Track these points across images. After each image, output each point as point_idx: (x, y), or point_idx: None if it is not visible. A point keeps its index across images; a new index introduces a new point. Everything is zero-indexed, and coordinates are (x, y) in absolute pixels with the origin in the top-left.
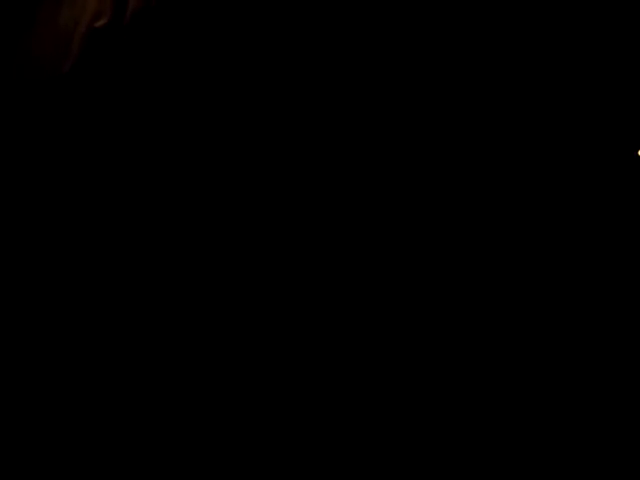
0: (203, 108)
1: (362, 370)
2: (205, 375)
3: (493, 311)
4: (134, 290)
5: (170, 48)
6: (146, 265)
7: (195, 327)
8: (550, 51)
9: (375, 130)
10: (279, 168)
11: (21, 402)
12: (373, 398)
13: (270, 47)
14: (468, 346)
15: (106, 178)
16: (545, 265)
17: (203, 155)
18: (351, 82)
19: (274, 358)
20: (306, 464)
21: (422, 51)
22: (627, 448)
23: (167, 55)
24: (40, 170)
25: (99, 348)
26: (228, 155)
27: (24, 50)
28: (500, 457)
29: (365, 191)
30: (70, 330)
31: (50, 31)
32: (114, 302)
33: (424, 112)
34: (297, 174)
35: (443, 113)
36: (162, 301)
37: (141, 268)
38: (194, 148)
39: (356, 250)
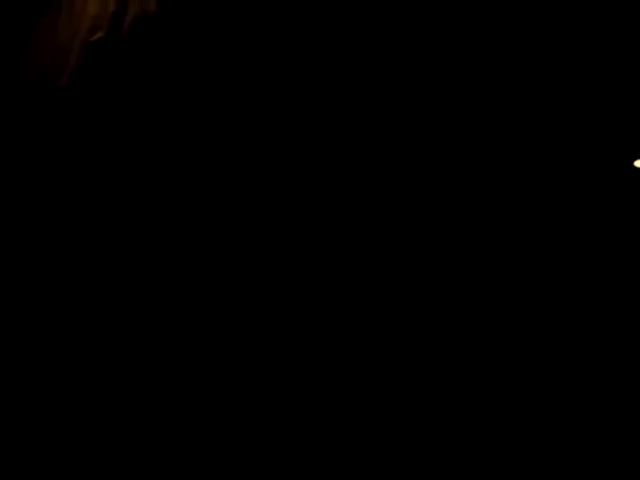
0: (200, 119)
1: (362, 370)
2: (205, 375)
3: (493, 312)
4: (135, 291)
5: (167, 61)
6: (145, 270)
7: (195, 327)
8: (550, 61)
9: (375, 130)
10: (277, 178)
11: (21, 402)
12: (373, 398)
13: (269, 58)
14: (468, 346)
15: (103, 189)
16: (543, 273)
17: (200, 167)
18: (351, 86)
19: (274, 358)
20: (306, 464)
21: (422, 52)
22: (627, 448)
23: (164, 68)
24: (38, 181)
25: (99, 348)
26: (225, 166)
27: (23, 63)
28: (500, 457)
29: (365, 191)
30: (70, 330)
31: (48, 44)
32: (114, 302)
33: (424, 113)
34: (297, 178)
35: (443, 121)
36: (162, 301)
37: (140, 273)
38: (191, 159)
39: (356, 250)
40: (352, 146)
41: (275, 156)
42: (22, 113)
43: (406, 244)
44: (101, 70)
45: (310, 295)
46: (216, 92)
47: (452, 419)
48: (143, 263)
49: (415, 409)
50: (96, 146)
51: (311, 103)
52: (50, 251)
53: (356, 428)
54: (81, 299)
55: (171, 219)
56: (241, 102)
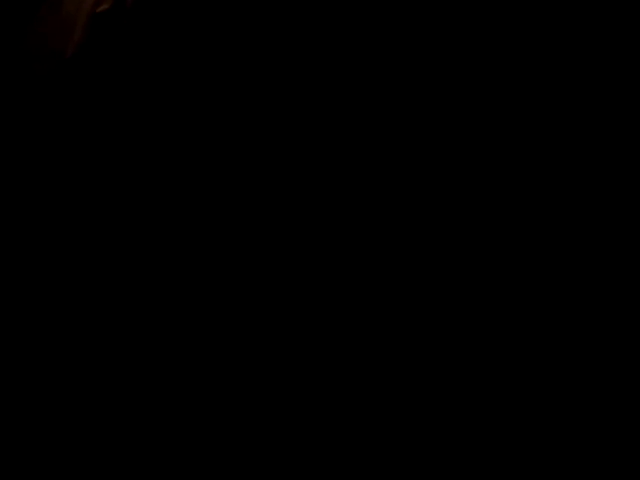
0: (207, 95)
1: (362, 371)
2: (205, 375)
3: (493, 312)
4: (134, 290)
5: (174, 32)
6: (146, 264)
7: (195, 327)
8: (552, 53)
9: (376, 131)
10: (280, 167)
11: (21, 402)
12: (373, 399)
13: (280, 37)
14: (468, 346)
15: (108, 165)
16: (546, 269)
17: (206, 145)
18: (351, 82)
19: (274, 358)
20: (306, 464)
21: (422, 52)
22: (627, 448)
23: (171, 39)
24: (44, 156)
25: (99, 348)
26: (231, 147)
27: (28, 36)
28: (500, 457)
29: (365, 192)
30: (70, 330)
31: (54, 17)
32: (114, 302)
33: (424, 113)
34: (297, 175)
35: (443, 118)
36: (162, 302)
37: (141, 267)
38: (198, 137)
39: (356, 251)
40: (352, 145)
41: (279, 143)
42: (28, 86)
43: (406, 243)
44: (107, 42)
45: (310, 293)
46: (224, 68)
47: (452, 419)
48: (144, 250)
49: (415, 409)
50: (101, 120)
51: (317, 95)
52: (51, 238)
53: (356, 428)
54: (79, 293)
55: (177, 205)
56: (249, 77)
